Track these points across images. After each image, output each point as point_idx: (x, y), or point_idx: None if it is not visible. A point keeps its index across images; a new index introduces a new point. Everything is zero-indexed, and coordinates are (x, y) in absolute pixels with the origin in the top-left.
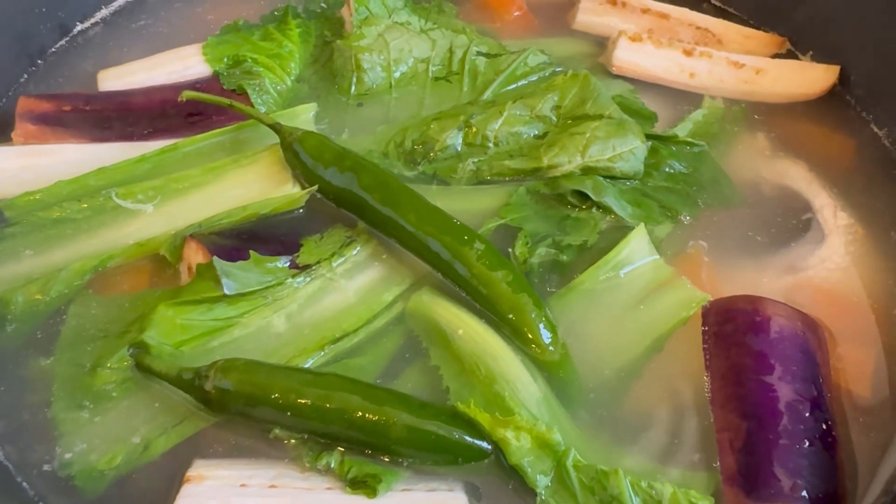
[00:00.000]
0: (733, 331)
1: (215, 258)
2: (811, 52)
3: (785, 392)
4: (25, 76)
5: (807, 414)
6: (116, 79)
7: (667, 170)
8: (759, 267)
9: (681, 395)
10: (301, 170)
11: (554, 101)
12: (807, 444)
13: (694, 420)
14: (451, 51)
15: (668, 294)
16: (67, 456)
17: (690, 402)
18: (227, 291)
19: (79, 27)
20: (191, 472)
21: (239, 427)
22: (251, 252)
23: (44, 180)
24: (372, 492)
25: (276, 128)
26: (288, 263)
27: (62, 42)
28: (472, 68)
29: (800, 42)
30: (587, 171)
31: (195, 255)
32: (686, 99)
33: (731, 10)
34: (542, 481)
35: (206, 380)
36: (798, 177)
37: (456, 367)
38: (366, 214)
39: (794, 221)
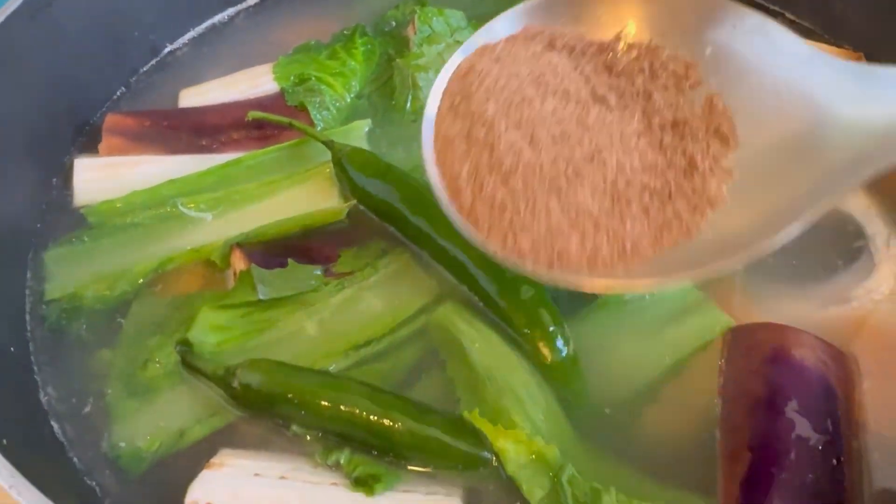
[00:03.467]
0: (751, 359)
1: (253, 266)
2: None
3: (797, 425)
4: (118, 94)
5: (818, 449)
6: (195, 97)
7: None
8: (800, 296)
9: (693, 419)
10: (348, 183)
11: None
12: (814, 480)
13: (701, 445)
14: None
15: (693, 317)
16: (117, 439)
17: (701, 427)
18: (260, 296)
19: (168, 48)
20: (214, 460)
21: (263, 422)
22: (289, 260)
23: (123, 189)
24: (370, 490)
25: (328, 144)
26: (323, 272)
27: (152, 62)
28: None
29: (877, 58)
30: None
31: (239, 263)
32: None
33: (805, 23)
34: (536, 494)
35: (233, 377)
36: (854, 202)
37: (469, 378)
38: (402, 226)
39: (843, 249)
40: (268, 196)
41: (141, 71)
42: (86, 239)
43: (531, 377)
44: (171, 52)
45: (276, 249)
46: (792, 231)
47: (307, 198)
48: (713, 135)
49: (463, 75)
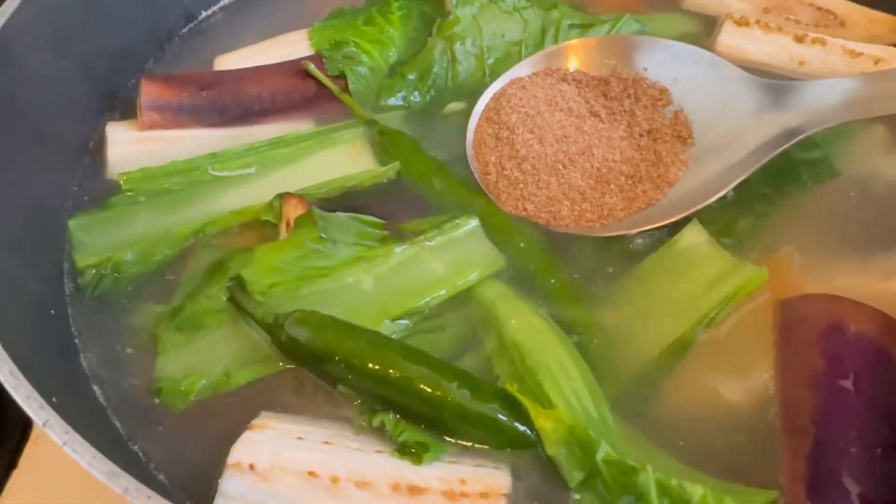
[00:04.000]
0: (808, 330)
1: (314, 207)
2: None
3: (860, 397)
4: (152, 60)
5: (884, 422)
6: (230, 64)
7: None
8: (856, 269)
9: (737, 392)
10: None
11: None
12: (882, 453)
13: (748, 422)
14: (543, 29)
15: (724, 275)
16: (160, 371)
17: (747, 401)
18: (322, 234)
19: (203, 14)
20: (255, 422)
21: (309, 378)
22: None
23: (158, 159)
24: (417, 459)
25: (370, 123)
26: (385, 226)
27: (187, 28)
28: None
29: None
30: None
31: (294, 210)
32: None
33: None
34: (575, 476)
35: (282, 330)
36: None
37: (507, 355)
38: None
39: None
40: (302, 159)
41: (176, 37)
42: (127, 203)
43: (567, 354)
44: (205, 19)
45: (330, 206)
46: (718, 196)
47: (342, 163)
48: (676, 137)
49: (497, 97)
